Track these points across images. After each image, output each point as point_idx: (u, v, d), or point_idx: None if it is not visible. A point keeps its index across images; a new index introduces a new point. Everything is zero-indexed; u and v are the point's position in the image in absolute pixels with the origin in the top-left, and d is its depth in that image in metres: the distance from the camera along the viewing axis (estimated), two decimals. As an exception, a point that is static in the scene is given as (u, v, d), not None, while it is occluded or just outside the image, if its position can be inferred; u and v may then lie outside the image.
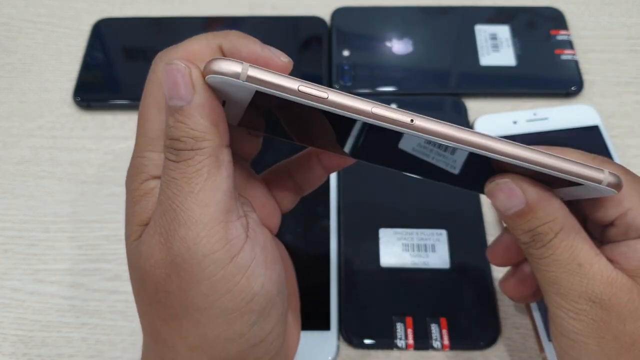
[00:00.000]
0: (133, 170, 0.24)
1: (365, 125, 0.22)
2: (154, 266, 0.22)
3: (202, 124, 0.21)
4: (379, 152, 0.26)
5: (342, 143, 0.25)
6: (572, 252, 0.24)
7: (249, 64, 0.21)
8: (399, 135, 0.22)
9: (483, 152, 0.22)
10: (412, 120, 0.21)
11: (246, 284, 0.22)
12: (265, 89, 0.21)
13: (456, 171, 0.25)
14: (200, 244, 0.21)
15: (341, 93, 0.21)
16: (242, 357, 0.24)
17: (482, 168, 0.25)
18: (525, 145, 0.22)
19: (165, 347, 0.24)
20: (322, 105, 0.21)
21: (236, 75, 0.20)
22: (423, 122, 0.21)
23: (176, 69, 0.21)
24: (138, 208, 0.23)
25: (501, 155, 0.22)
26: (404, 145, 0.24)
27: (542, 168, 0.22)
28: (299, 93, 0.21)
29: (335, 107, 0.21)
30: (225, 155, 0.23)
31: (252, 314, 0.23)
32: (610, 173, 0.22)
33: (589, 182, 0.22)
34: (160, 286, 0.22)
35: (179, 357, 0.23)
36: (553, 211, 0.24)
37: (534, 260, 0.25)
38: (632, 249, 0.25)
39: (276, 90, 0.21)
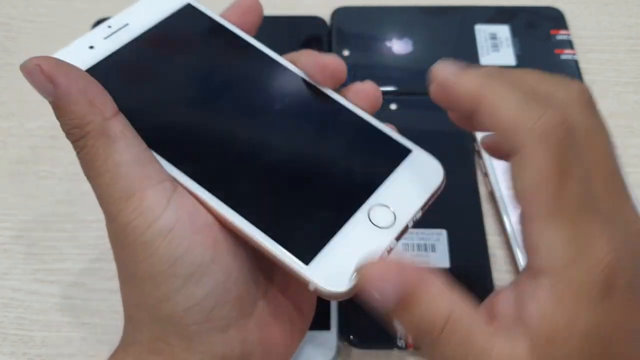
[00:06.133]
0: None
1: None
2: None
3: (75, 112, 0.23)
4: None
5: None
6: (466, 346, 0.20)
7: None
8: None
9: None
10: None
11: (167, 248, 0.23)
12: None
13: None
14: (119, 217, 0.23)
15: None
16: (176, 320, 0.24)
17: None
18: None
19: (123, 303, 0.26)
20: None
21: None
22: None
23: (27, 70, 0.24)
24: None
25: None
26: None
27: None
28: None
29: None
30: (116, 127, 0.24)
31: (176, 277, 0.23)
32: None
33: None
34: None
35: (127, 312, 0.26)
36: (431, 303, 0.21)
37: (428, 355, 0.22)
38: (520, 294, 0.21)
39: None
